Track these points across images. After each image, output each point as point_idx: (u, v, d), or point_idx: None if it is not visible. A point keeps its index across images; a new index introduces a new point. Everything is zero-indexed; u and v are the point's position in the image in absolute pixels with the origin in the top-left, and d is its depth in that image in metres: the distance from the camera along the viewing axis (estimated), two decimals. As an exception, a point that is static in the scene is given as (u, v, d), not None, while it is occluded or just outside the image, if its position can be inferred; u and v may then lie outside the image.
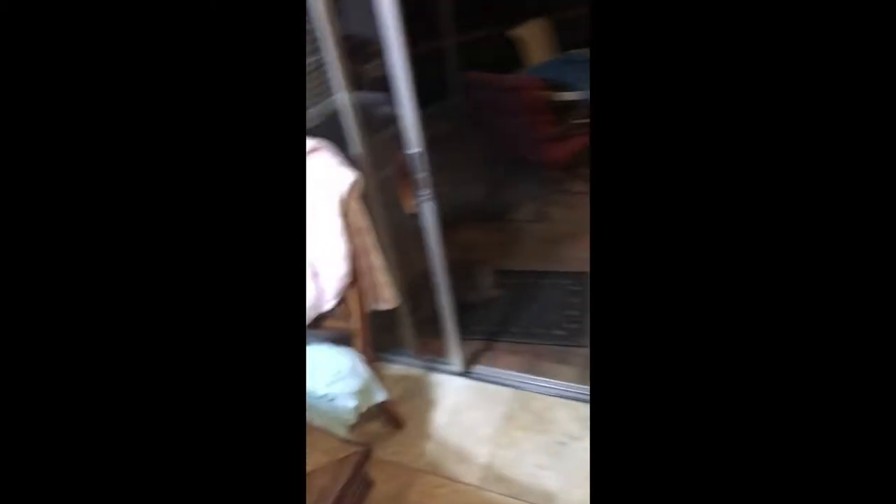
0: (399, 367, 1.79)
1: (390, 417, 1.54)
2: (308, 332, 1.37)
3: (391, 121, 1.46)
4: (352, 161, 1.42)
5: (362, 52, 1.63)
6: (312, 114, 1.87)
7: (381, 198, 1.55)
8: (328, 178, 1.17)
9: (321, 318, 1.41)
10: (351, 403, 1.21)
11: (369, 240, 1.36)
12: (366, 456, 0.82)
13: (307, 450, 0.82)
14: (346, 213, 1.21)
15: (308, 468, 0.79)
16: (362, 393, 1.26)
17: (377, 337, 1.76)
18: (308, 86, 1.80)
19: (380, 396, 1.33)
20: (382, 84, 1.36)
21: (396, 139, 1.44)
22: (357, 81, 1.46)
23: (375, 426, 1.57)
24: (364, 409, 1.25)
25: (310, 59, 1.66)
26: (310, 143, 1.21)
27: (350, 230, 1.26)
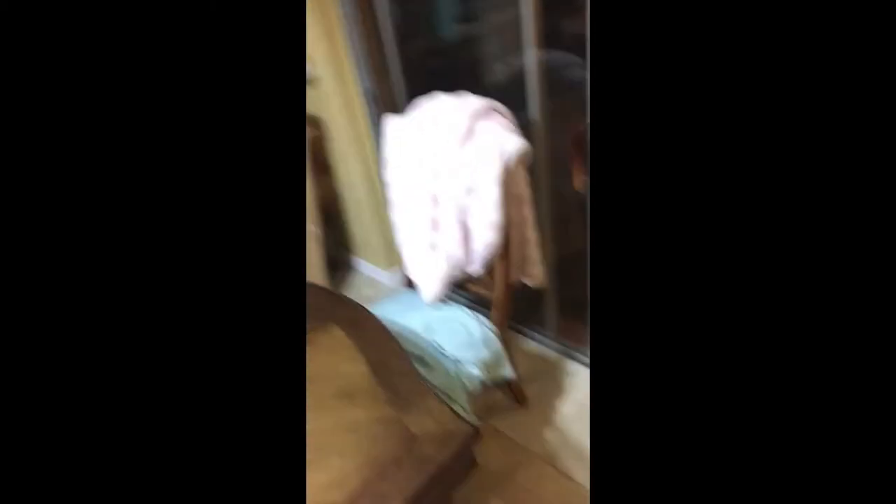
0: (535, 346, 1.74)
1: (515, 393, 1.51)
2: (449, 292, 1.38)
3: (580, 86, 1.34)
4: (526, 126, 1.35)
5: (566, 6, 1.51)
6: (499, 71, 1.83)
7: (550, 168, 1.45)
8: (495, 142, 1.12)
9: (465, 281, 1.41)
10: (476, 372, 1.20)
11: (528, 212, 1.29)
12: (475, 437, 0.79)
13: (418, 412, 0.83)
14: (507, 182, 1.16)
15: (415, 431, 0.80)
16: (489, 365, 1.24)
17: (520, 310, 1.72)
18: (500, 40, 1.75)
19: (507, 372, 1.30)
20: (580, 44, 1.24)
21: (581, 107, 1.32)
22: (554, 39, 1.36)
23: (499, 397, 1.56)
24: (488, 381, 1.23)
25: (507, 12, 1.60)
26: (483, 103, 1.17)
27: (509, 200, 1.20)
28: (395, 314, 1.37)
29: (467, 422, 0.82)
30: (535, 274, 1.40)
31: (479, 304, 1.39)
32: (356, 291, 2.19)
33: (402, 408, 0.84)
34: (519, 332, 1.78)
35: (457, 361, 1.21)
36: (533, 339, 1.76)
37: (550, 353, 1.70)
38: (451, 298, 1.39)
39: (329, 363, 0.95)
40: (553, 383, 1.59)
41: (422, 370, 1.18)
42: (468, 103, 1.18)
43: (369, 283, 2.22)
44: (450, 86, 1.36)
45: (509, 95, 1.40)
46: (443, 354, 1.22)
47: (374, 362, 0.93)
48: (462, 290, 1.45)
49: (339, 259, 2.31)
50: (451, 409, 0.84)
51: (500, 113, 1.19)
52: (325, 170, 1.99)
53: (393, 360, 0.93)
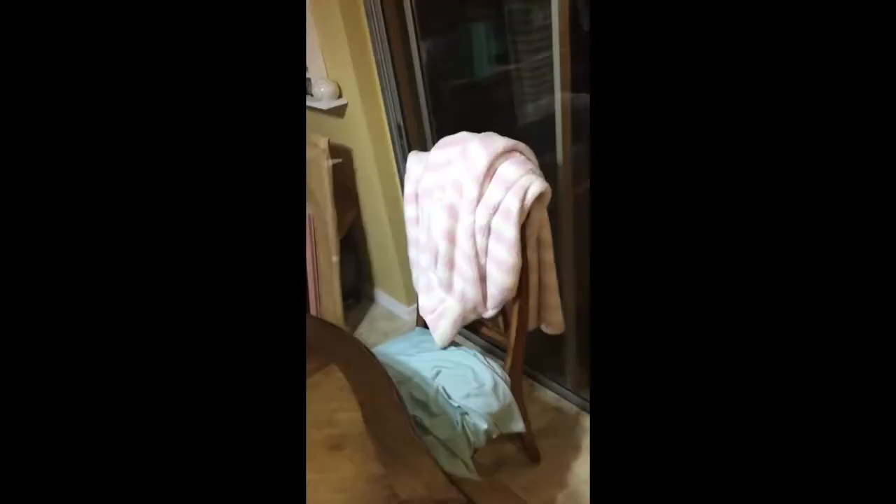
0: (553, 397, 1.64)
1: (528, 448, 1.41)
2: (461, 334, 1.32)
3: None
4: (550, 168, 1.30)
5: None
6: (529, 112, 1.80)
7: (573, 213, 1.39)
8: (515, 182, 1.07)
9: (479, 324, 1.34)
10: (482, 425, 1.12)
11: (547, 256, 1.23)
12: (467, 504, 0.72)
13: (408, 473, 0.76)
14: (526, 224, 1.10)
15: (402, 495, 0.73)
16: (498, 417, 1.16)
17: (539, 357, 1.63)
18: (533, 82, 1.73)
19: (517, 426, 1.21)
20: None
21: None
22: (586, 82, 1.32)
23: (510, 450, 1.46)
24: (495, 435, 1.15)
25: (542, 54, 1.58)
26: (506, 143, 1.13)
27: (528, 242, 1.15)
28: (404, 354, 1.31)
29: (461, 488, 0.74)
30: (554, 321, 1.32)
31: (492, 349, 1.32)
32: (375, 325, 2.15)
33: (391, 466, 0.77)
34: (536, 380, 1.69)
35: (464, 412, 1.14)
36: (551, 388, 1.66)
37: (568, 406, 1.60)
38: (463, 342, 1.33)
39: (325, 410, 0.90)
40: (569, 440, 1.49)
41: (425, 419, 1.12)
42: (491, 142, 1.14)
43: (388, 316, 2.18)
44: (479, 124, 1.33)
45: (538, 137, 1.36)
46: (449, 403, 1.16)
47: (368, 411, 0.87)
48: (476, 333, 1.38)
49: (359, 290, 2.28)
50: (445, 473, 0.77)
51: (523, 154, 1.15)
52: (348, 198, 1.98)
53: (388, 412, 0.87)
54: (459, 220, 1.18)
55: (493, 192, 1.11)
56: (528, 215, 1.10)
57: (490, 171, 1.12)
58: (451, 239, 1.22)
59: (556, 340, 1.49)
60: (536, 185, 1.06)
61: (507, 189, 1.09)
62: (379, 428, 0.84)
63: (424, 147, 1.74)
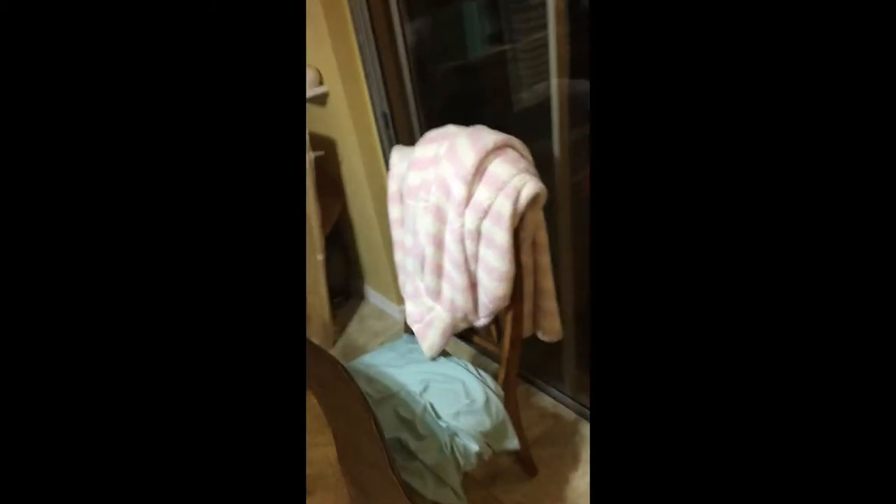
0: (550, 402, 1.56)
1: (524, 463, 1.33)
2: (454, 341, 1.23)
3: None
4: (546, 158, 1.19)
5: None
6: (524, 96, 1.68)
7: (571, 206, 1.29)
8: (507, 182, 0.97)
9: (471, 332, 1.25)
10: (473, 447, 1.04)
11: (543, 259, 1.13)
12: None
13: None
14: (519, 228, 1.00)
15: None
16: (490, 436, 1.08)
17: (536, 361, 1.55)
18: (527, 65, 1.60)
19: (511, 444, 1.13)
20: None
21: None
22: (585, 66, 1.21)
23: (505, 462, 1.38)
24: (487, 456, 1.07)
25: (541, 34, 1.45)
26: (497, 138, 1.02)
27: (522, 246, 1.05)
28: (391, 366, 1.22)
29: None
30: (551, 328, 1.23)
31: (486, 353, 1.23)
32: (365, 324, 2.06)
33: (366, 514, 0.69)
34: (533, 384, 1.61)
35: (453, 432, 1.05)
36: (548, 393, 1.58)
37: (567, 413, 1.52)
38: (454, 351, 1.24)
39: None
40: (567, 449, 1.41)
41: (411, 441, 1.03)
42: (480, 137, 1.03)
43: (379, 315, 2.09)
44: (471, 111, 1.22)
45: (533, 123, 1.25)
46: (437, 422, 1.07)
47: (342, 445, 0.78)
48: (468, 342, 1.29)
49: (349, 287, 2.19)
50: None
51: (516, 149, 1.04)
52: (331, 191, 1.87)
53: (365, 443, 0.78)
54: (447, 223, 1.08)
55: (483, 193, 1.00)
56: (522, 218, 1.00)
57: (479, 170, 1.01)
58: (439, 243, 1.11)
59: (555, 344, 1.40)
60: (530, 187, 0.95)
61: (499, 190, 0.98)
62: (354, 466, 0.75)
63: (412, 137, 1.63)
